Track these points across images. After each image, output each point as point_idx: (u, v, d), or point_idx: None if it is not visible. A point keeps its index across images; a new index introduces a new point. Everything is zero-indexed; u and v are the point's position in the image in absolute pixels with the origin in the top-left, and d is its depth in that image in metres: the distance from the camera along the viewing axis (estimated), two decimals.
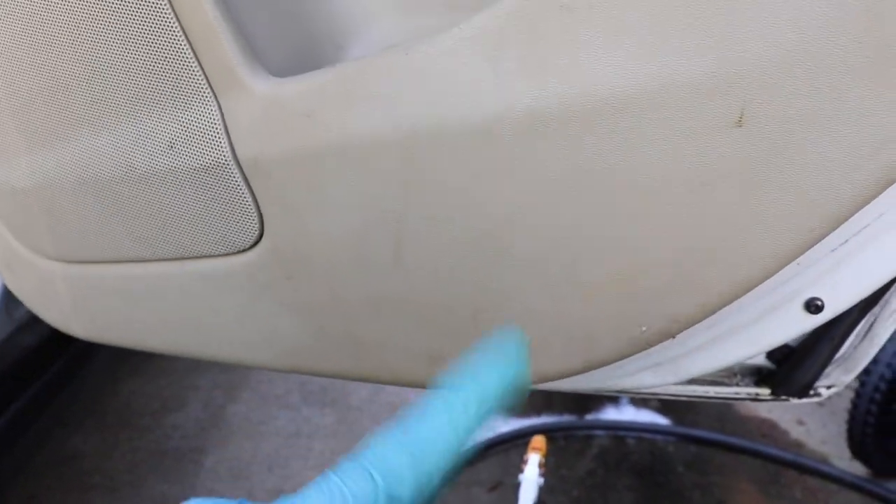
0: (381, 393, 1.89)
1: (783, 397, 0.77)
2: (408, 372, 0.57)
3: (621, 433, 1.70)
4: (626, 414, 1.76)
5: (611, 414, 1.76)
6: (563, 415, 1.76)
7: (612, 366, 0.56)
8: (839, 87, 0.40)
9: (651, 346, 0.51)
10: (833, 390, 0.78)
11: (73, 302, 0.75)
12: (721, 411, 1.76)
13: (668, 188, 0.44)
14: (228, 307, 0.61)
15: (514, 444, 1.68)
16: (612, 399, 1.79)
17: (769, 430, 1.71)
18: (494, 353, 0.38)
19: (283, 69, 0.55)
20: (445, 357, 0.55)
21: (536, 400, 1.81)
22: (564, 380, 0.56)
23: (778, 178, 0.42)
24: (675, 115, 0.42)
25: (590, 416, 1.76)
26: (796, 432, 1.70)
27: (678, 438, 1.68)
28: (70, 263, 0.72)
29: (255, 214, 0.55)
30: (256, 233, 0.56)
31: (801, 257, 0.45)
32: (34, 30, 0.58)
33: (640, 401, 1.79)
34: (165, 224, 0.60)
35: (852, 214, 0.43)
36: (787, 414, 1.74)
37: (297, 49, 0.60)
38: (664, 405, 1.78)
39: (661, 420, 1.74)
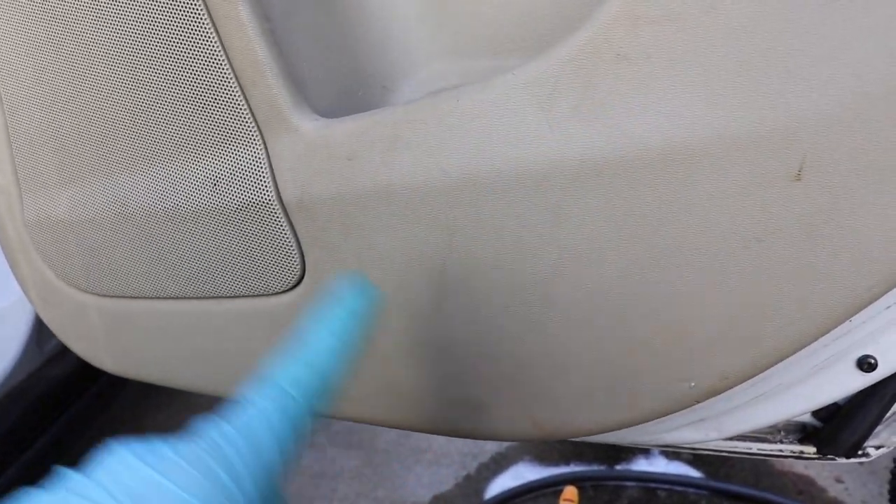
0: (409, 437, 1.87)
1: (829, 456, 0.75)
2: (446, 421, 0.56)
3: (652, 485, 1.66)
4: (658, 465, 1.72)
5: (642, 465, 1.72)
6: (593, 464, 1.73)
7: (655, 420, 0.54)
8: None
9: (698, 402, 0.49)
10: (882, 451, 0.76)
11: (106, 336, 0.75)
12: (756, 465, 1.71)
13: (721, 242, 0.43)
14: (265, 348, 0.61)
15: (542, 493, 1.64)
16: (644, 450, 1.75)
17: (806, 486, 1.66)
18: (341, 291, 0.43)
19: (330, 110, 0.55)
20: (486, 406, 0.54)
21: (566, 448, 1.77)
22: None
23: (837, 234, 0.41)
24: (730, 168, 0.41)
25: (620, 467, 1.72)
26: (834, 490, 1.64)
27: (711, 492, 1.63)
28: (105, 297, 0.72)
29: (297, 256, 0.55)
30: (298, 274, 0.55)
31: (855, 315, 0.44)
32: (80, 67, 0.59)
33: (671, 453, 1.75)
34: (205, 262, 0.60)
35: None
36: (824, 471, 1.69)
37: (343, 89, 0.60)
38: (697, 458, 1.74)
39: (693, 473, 1.70)
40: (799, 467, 1.71)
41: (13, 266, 0.81)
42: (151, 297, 0.66)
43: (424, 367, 0.54)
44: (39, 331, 1.35)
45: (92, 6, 0.56)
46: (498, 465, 1.78)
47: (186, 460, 0.31)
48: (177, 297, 0.64)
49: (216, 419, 0.35)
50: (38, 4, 0.60)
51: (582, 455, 1.75)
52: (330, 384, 0.39)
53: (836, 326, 0.44)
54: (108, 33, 0.56)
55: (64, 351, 1.46)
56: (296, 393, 0.36)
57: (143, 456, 0.31)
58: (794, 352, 0.46)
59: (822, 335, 0.45)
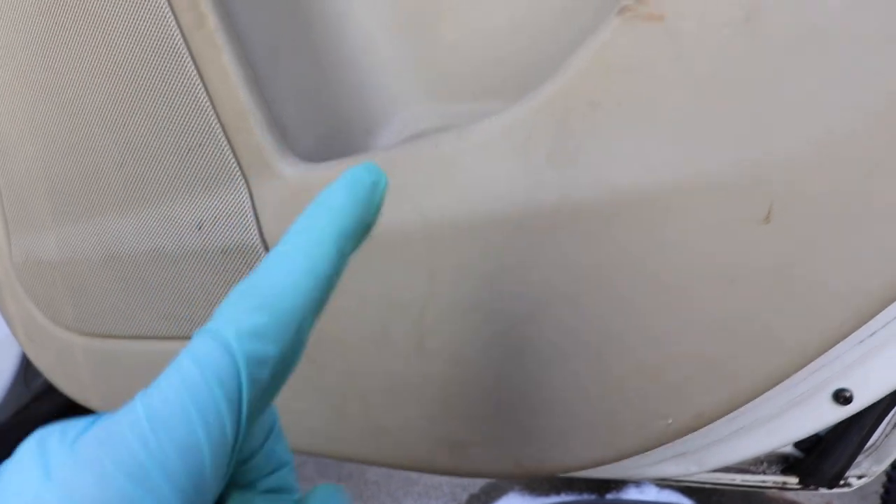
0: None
1: (812, 487, 0.75)
2: (428, 459, 0.56)
3: None
4: (649, 494, 1.72)
5: (632, 493, 1.72)
6: (584, 493, 1.72)
7: (635, 456, 0.55)
8: (869, 184, 0.39)
9: (677, 438, 0.50)
10: (864, 480, 0.76)
11: (92, 375, 0.75)
12: (746, 492, 1.71)
13: (693, 284, 0.44)
14: None
15: None
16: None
17: None
18: (344, 183, 0.33)
19: (313, 153, 0.56)
20: (467, 444, 0.54)
21: (556, 478, 1.77)
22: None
23: (806, 274, 0.42)
24: (702, 211, 0.42)
25: (611, 496, 1.71)
26: None
27: None
28: (92, 337, 0.72)
29: None
30: None
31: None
32: (71, 111, 0.60)
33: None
34: (190, 303, 0.60)
35: (882, 309, 0.42)
36: (815, 496, 1.69)
37: (325, 133, 0.61)
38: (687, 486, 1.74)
39: (684, 501, 1.69)
40: (789, 493, 1.71)
41: (0, 304, 0.81)
42: (138, 337, 0.67)
43: (406, 406, 0.55)
44: (27, 368, 1.34)
45: (81, 54, 0.57)
46: (488, 496, 1.77)
47: (84, 470, 0.22)
48: (163, 338, 0.64)
49: (139, 396, 0.25)
50: (28, 52, 0.61)
51: (572, 485, 1.74)
52: (296, 326, 0.28)
53: (809, 363, 0.45)
54: (97, 79, 0.57)
55: (51, 388, 1.45)
56: (238, 345, 0.26)
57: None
58: (769, 388, 0.46)
59: (796, 372, 0.45)
